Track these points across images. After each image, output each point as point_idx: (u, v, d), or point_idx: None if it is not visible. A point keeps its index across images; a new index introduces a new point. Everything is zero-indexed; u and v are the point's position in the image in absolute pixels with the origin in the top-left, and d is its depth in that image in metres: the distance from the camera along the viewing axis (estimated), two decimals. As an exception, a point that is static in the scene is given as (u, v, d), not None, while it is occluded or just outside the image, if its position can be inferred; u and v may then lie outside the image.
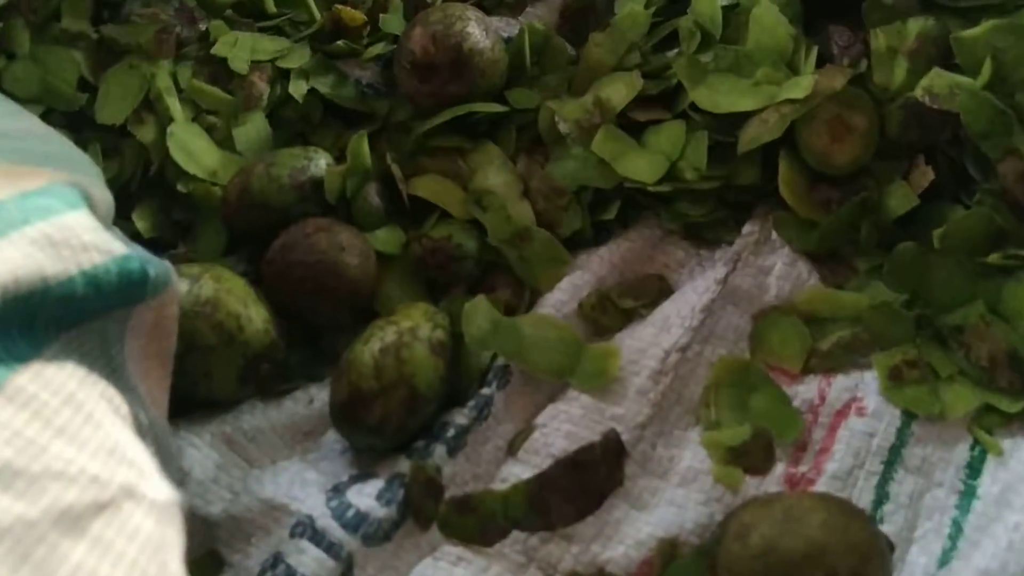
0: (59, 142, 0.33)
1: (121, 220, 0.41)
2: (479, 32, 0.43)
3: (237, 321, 0.35)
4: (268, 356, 0.36)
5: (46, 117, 0.41)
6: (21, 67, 0.42)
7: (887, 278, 0.38)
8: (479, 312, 0.37)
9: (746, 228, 0.40)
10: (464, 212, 0.41)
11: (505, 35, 0.47)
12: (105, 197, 0.29)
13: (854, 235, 0.40)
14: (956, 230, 0.38)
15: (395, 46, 0.45)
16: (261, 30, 0.47)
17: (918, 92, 0.39)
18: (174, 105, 0.43)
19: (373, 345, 0.35)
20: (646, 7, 0.45)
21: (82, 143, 0.41)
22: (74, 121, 0.43)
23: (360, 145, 0.41)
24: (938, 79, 0.39)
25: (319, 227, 0.38)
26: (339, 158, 0.43)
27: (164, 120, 0.42)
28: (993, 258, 0.37)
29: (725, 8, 0.43)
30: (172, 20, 0.45)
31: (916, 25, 0.41)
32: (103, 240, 0.26)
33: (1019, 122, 0.38)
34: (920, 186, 0.39)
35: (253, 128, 0.43)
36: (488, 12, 0.48)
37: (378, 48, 0.46)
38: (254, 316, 0.36)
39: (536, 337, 0.37)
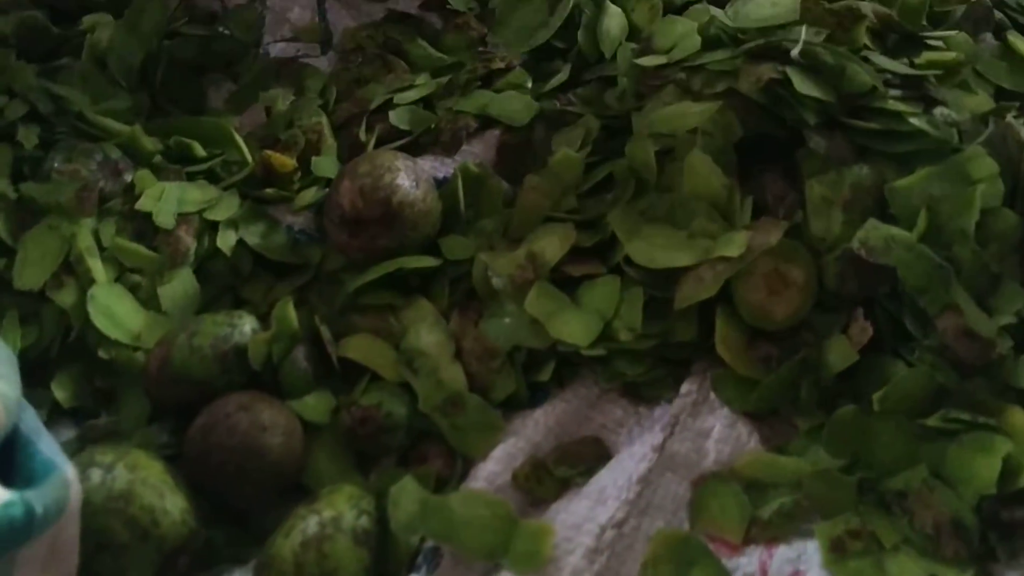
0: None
1: (39, 389, 0.40)
2: (409, 183, 0.42)
3: (152, 515, 0.34)
4: (187, 548, 0.35)
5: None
6: (-64, 232, 0.41)
7: (827, 443, 0.37)
8: (406, 495, 0.35)
9: (684, 387, 0.39)
10: (395, 374, 0.40)
11: (440, 175, 0.46)
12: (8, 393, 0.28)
13: (794, 393, 0.39)
14: (896, 391, 0.37)
15: (327, 190, 0.44)
16: (190, 175, 0.46)
17: (854, 244, 0.38)
18: (96, 266, 0.41)
19: (294, 539, 0.34)
20: (580, 148, 0.44)
21: (-1, 310, 0.40)
22: (-9, 287, 0.41)
23: (286, 310, 0.40)
24: (874, 231, 0.38)
25: (240, 405, 0.37)
26: (268, 313, 0.41)
27: (85, 282, 0.41)
28: (934, 420, 0.36)
29: (659, 154, 0.42)
30: (95, 175, 0.43)
31: (851, 175, 0.40)
32: None
33: (957, 276, 0.38)
34: (859, 342, 0.38)
35: (180, 286, 0.42)
36: (423, 150, 0.47)
37: (310, 194, 0.45)
38: (171, 507, 0.34)
39: (467, 516, 0.36)
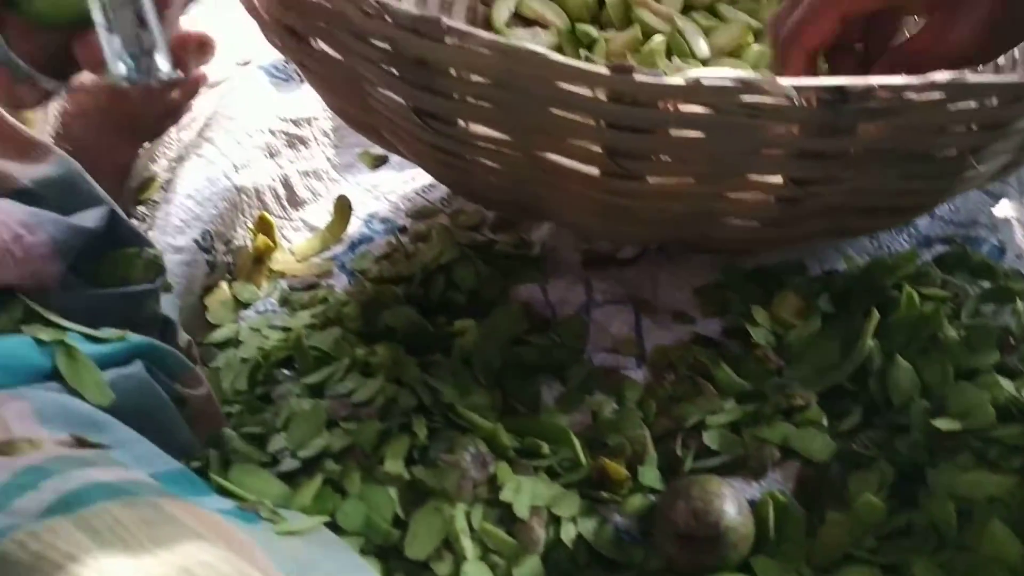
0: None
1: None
2: (734, 510, 0.50)
3: None
4: None
5: (361, 548, 0.50)
6: (351, 505, 0.51)
7: None
8: None
9: None
10: None
11: (748, 497, 0.53)
12: None
13: None
14: None
15: (651, 498, 0.52)
16: (535, 468, 0.55)
17: None
18: (468, 546, 0.50)
19: None
20: (877, 492, 0.51)
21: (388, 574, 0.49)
22: (383, 552, 0.51)
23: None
24: None
25: None
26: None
27: (459, 558, 0.50)
28: None
29: (959, 513, 0.48)
30: (468, 465, 0.53)
31: None
32: None
33: None
34: None
35: (529, 571, 0.50)
36: (732, 471, 0.55)
37: (637, 500, 0.53)
38: None
39: None
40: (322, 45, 0.56)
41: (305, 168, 0.79)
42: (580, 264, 0.69)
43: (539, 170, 0.55)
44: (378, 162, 0.82)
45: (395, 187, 0.79)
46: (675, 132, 0.50)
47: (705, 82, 0.46)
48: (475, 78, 0.50)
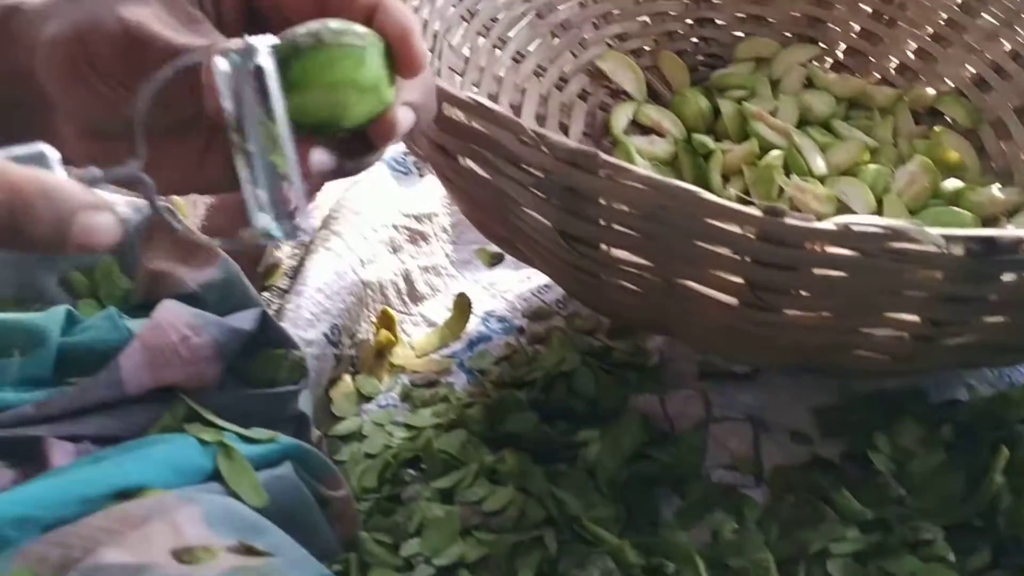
0: None
1: None
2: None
3: None
4: None
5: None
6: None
7: None
8: None
9: None
10: None
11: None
12: None
13: None
14: None
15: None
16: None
17: None
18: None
19: None
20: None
21: None
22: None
23: None
24: None
25: None
26: None
27: None
28: None
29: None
30: (597, 582, 0.54)
31: None
32: None
33: None
34: None
35: None
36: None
37: (762, 628, 0.54)
38: None
39: None
40: (470, 164, 0.59)
41: (425, 263, 0.82)
42: (697, 376, 0.71)
43: (676, 295, 0.56)
44: (495, 260, 0.84)
45: (511, 286, 0.81)
46: (818, 271, 0.51)
47: (855, 228, 0.48)
48: (625, 208, 0.52)
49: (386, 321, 0.76)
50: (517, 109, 0.86)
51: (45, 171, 0.29)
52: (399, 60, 0.38)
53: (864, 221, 0.48)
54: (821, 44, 0.95)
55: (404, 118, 0.39)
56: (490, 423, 0.66)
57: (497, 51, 0.88)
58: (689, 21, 0.97)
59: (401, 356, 0.75)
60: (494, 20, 0.88)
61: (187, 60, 0.35)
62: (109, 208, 0.30)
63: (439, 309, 0.80)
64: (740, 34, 0.97)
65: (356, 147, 0.39)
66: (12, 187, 0.27)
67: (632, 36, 0.95)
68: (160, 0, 0.39)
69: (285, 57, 0.36)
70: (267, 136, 0.35)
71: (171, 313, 0.54)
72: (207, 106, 0.36)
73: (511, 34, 0.89)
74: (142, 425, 0.51)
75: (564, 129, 0.88)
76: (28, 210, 0.27)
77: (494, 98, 0.85)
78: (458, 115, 0.55)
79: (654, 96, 0.93)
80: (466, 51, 0.85)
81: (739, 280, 0.53)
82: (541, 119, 0.87)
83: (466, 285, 0.82)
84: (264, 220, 0.36)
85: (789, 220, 0.48)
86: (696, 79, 0.94)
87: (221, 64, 0.35)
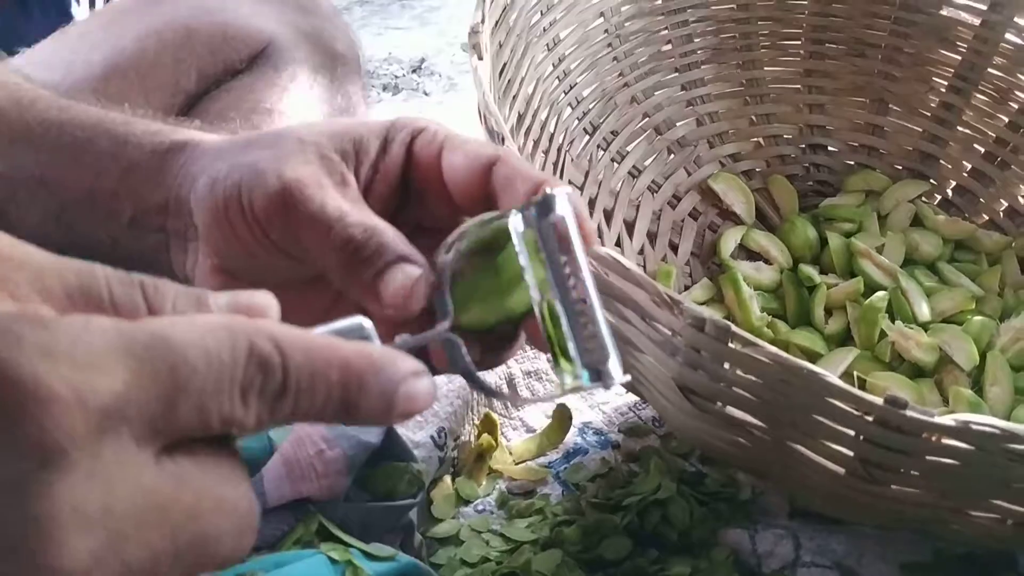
0: None
1: None
2: None
3: None
4: None
5: None
6: None
7: None
8: None
9: None
10: None
11: None
12: None
13: None
14: None
15: None
16: None
17: None
18: None
19: None
20: None
21: None
22: None
23: None
24: None
25: None
26: None
27: None
28: None
29: None
30: None
31: None
32: None
33: None
34: None
35: None
36: None
37: None
38: None
39: None
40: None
41: (528, 368, 0.85)
42: (787, 514, 0.72)
43: (784, 454, 0.58)
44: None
45: (608, 397, 0.84)
46: (931, 458, 0.53)
47: (975, 427, 0.50)
48: (749, 377, 0.54)
49: (488, 425, 0.79)
50: (631, 225, 0.89)
51: (370, 344, 0.29)
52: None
53: (984, 421, 0.50)
54: (931, 180, 0.97)
55: None
56: (585, 545, 0.68)
57: (615, 164, 0.91)
58: (802, 146, 0.99)
59: (500, 461, 0.78)
60: (614, 133, 0.91)
61: (506, 219, 0.35)
62: (426, 372, 0.29)
63: (537, 415, 0.83)
64: (851, 163, 0.99)
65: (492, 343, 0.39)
66: (347, 366, 0.27)
67: (745, 157, 0.98)
68: (320, 162, 0.40)
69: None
70: (568, 286, 0.33)
71: (308, 425, 0.58)
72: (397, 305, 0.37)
73: (629, 148, 0.92)
74: (276, 536, 0.55)
75: (674, 248, 0.91)
76: (361, 387, 0.27)
77: (609, 214, 0.88)
78: (593, 266, 0.58)
79: (762, 218, 0.95)
80: (585, 163, 0.88)
81: (850, 453, 0.55)
82: (652, 236, 0.90)
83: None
84: (574, 371, 0.33)
85: (910, 413, 0.50)
86: (804, 205, 0.96)
87: (516, 222, 0.35)
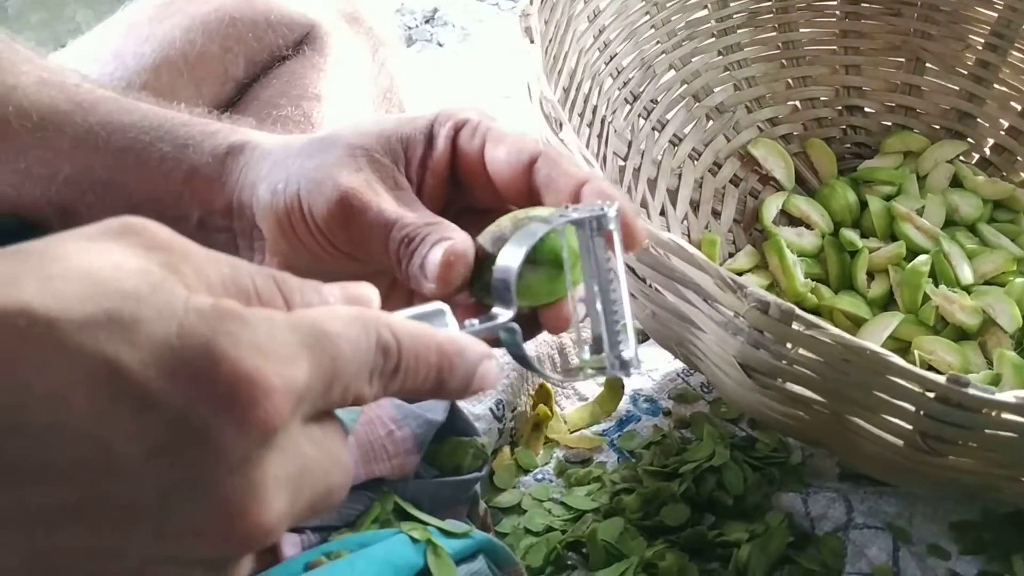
0: None
1: None
2: None
3: None
4: None
5: None
6: None
7: None
8: None
9: None
10: None
11: None
12: None
13: None
14: None
15: None
16: None
17: None
18: None
19: None
20: None
21: None
22: None
23: None
24: None
25: None
26: None
27: None
28: None
29: None
30: None
31: None
32: None
33: None
34: None
35: None
36: None
37: None
38: None
39: None
40: (657, 286, 0.63)
41: (576, 337, 0.87)
42: (838, 476, 0.75)
43: (843, 427, 0.60)
44: (642, 337, 0.89)
45: (658, 364, 0.86)
46: (990, 431, 0.55)
47: (1034, 404, 0.51)
48: (811, 356, 0.56)
49: (543, 395, 0.81)
50: (674, 194, 0.90)
51: (454, 330, 0.33)
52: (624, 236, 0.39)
53: (1042, 399, 0.52)
54: (969, 140, 0.98)
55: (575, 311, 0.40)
56: (646, 512, 0.71)
57: (656, 133, 0.92)
58: (839, 108, 1.00)
59: (555, 430, 0.80)
60: (654, 102, 0.92)
61: (559, 223, 0.38)
62: (494, 355, 0.32)
63: (590, 384, 0.85)
64: (888, 123, 0.99)
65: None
66: (442, 350, 0.30)
67: (782, 121, 0.98)
68: (372, 167, 0.42)
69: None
70: (609, 288, 0.37)
71: (377, 406, 0.60)
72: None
73: (669, 116, 0.93)
74: (352, 515, 0.57)
75: (716, 215, 0.92)
76: (452, 368, 0.31)
77: (653, 183, 0.89)
78: (657, 250, 0.60)
79: (800, 182, 0.96)
80: (628, 134, 0.89)
81: (909, 427, 0.57)
82: (695, 205, 0.91)
83: (614, 360, 0.86)
84: (598, 357, 0.37)
85: (972, 391, 0.52)
86: (842, 168, 0.97)
87: (566, 227, 0.38)
